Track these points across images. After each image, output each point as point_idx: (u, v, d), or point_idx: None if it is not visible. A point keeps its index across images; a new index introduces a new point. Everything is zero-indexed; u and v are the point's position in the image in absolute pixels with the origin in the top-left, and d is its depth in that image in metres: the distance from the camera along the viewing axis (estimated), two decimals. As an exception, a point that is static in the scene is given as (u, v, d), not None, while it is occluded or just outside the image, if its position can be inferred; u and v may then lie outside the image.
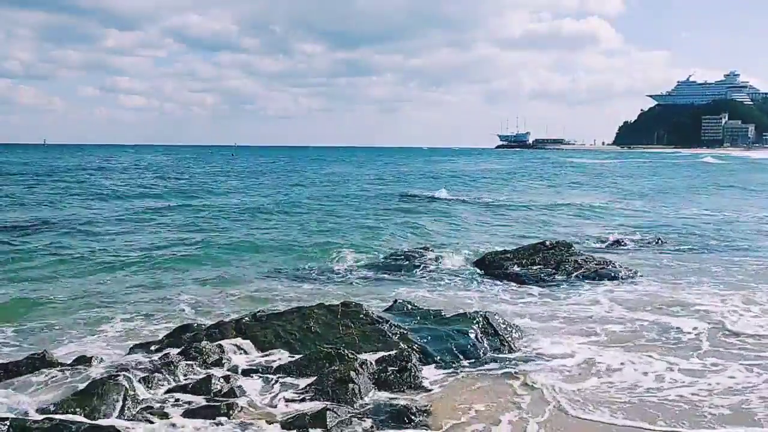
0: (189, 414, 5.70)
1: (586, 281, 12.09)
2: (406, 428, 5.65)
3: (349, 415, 5.80)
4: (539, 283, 12.02)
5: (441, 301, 10.68)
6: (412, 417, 5.78)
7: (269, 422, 5.64)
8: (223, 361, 7.15)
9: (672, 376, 7.06)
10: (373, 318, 8.16)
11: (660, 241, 17.07)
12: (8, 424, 5.32)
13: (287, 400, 6.22)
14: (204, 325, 8.46)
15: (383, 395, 6.42)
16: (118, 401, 5.81)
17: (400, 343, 7.54)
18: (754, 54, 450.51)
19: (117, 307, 10.34)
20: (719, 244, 16.98)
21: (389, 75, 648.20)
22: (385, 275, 12.90)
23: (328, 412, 5.61)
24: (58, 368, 6.74)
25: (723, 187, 42.07)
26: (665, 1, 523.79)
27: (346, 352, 7.00)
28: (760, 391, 6.57)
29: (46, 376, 6.58)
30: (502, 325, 8.23)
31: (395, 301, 9.44)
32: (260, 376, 6.85)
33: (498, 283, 12.20)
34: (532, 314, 9.70)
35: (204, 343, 7.39)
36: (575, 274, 12.49)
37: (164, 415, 5.68)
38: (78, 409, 5.69)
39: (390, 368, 6.82)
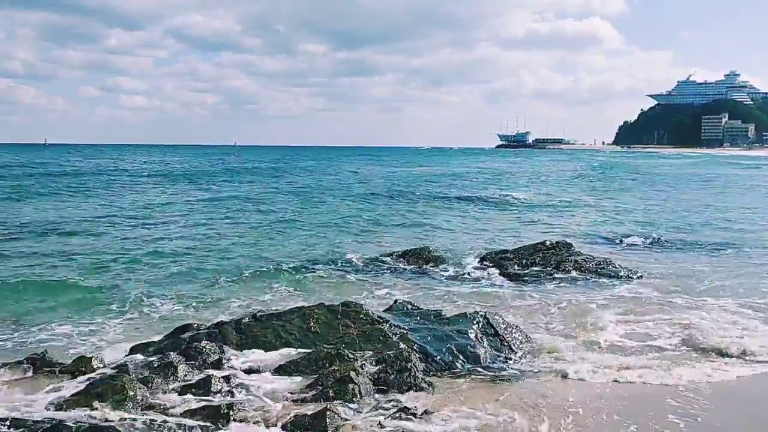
0: (189, 414, 5.69)
1: (584, 281, 12.08)
2: (406, 428, 5.64)
3: (349, 415, 5.80)
4: (538, 283, 12.01)
5: (441, 300, 10.68)
6: (412, 417, 5.77)
7: (269, 422, 5.64)
8: (223, 361, 7.15)
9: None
10: (373, 318, 8.15)
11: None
12: (8, 424, 5.32)
13: (287, 401, 6.22)
14: (204, 325, 8.45)
15: (383, 395, 6.42)
16: (118, 401, 5.80)
17: (400, 343, 7.53)
18: (754, 54, 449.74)
19: (117, 307, 10.33)
20: None
21: (391, 75, 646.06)
22: (386, 274, 12.89)
23: (328, 412, 5.62)
24: (57, 368, 6.75)
25: None
26: (667, 1, 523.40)
27: (346, 352, 7.00)
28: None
29: (46, 375, 6.59)
30: (502, 325, 8.22)
31: (395, 301, 9.43)
32: (260, 377, 6.83)
33: (498, 282, 12.20)
34: (529, 314, 9.70)
35: (204, 343, 7.39)
36: (574, 274, 12.48)
37: (164, 416, 5.67)
38: (78, 409, 5.69)
39: (390, 368, 6.81)
